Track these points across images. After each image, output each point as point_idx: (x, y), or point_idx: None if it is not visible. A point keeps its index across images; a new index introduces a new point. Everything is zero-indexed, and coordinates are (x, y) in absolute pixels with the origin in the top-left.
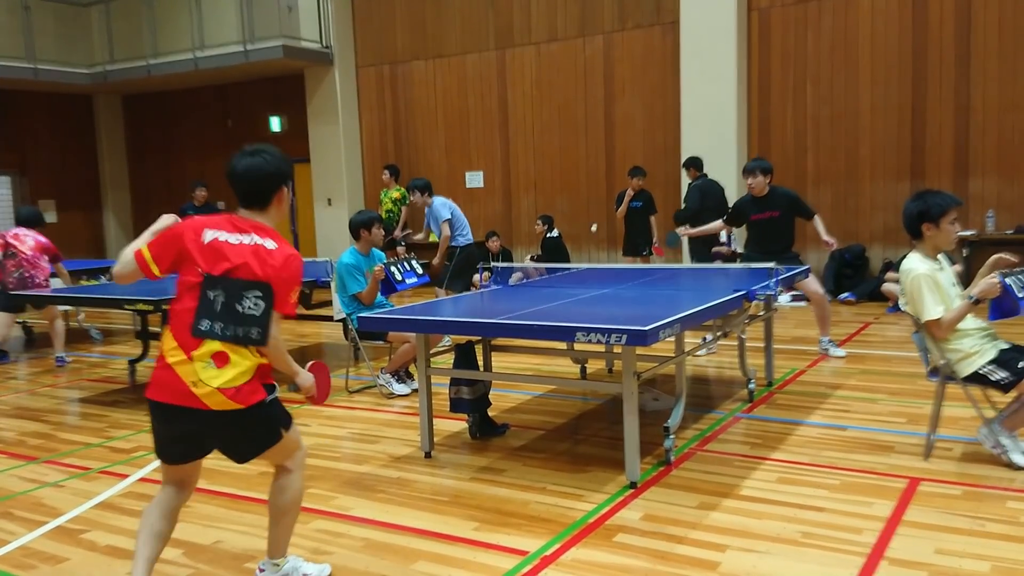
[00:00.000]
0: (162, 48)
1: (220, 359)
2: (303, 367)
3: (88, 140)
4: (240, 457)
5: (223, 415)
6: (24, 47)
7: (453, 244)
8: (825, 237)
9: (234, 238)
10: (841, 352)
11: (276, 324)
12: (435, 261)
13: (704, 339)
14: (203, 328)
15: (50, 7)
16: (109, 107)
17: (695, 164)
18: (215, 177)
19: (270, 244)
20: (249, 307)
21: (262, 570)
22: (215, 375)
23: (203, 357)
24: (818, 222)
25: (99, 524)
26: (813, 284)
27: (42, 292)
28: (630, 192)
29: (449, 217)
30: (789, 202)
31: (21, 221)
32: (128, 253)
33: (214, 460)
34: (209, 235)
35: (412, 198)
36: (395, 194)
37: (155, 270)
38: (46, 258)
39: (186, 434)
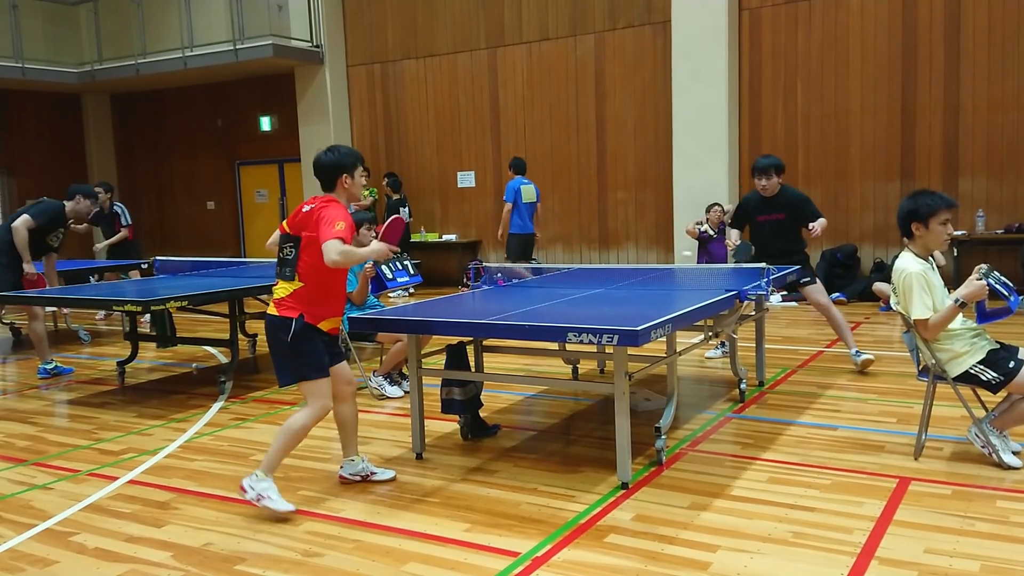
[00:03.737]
0: (151, 47)
1: None
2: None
3: (76, 140)
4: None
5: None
6: (12, 46)
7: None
8: (814, 225)
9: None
10: (868, 356)
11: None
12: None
13: (721, 344)
14: None
15: (38, 6)
16: (98, 106)
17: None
18: (204, 176)
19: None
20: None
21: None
22: None
23: None
24: (822, 220)
25: (88, 527)
26: (814, 294)
27: (32, 292)
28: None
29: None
30: (799, 204)
31: None
32: None
33: (203, 462)
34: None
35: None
36: (366, 193)
37: None
38: None
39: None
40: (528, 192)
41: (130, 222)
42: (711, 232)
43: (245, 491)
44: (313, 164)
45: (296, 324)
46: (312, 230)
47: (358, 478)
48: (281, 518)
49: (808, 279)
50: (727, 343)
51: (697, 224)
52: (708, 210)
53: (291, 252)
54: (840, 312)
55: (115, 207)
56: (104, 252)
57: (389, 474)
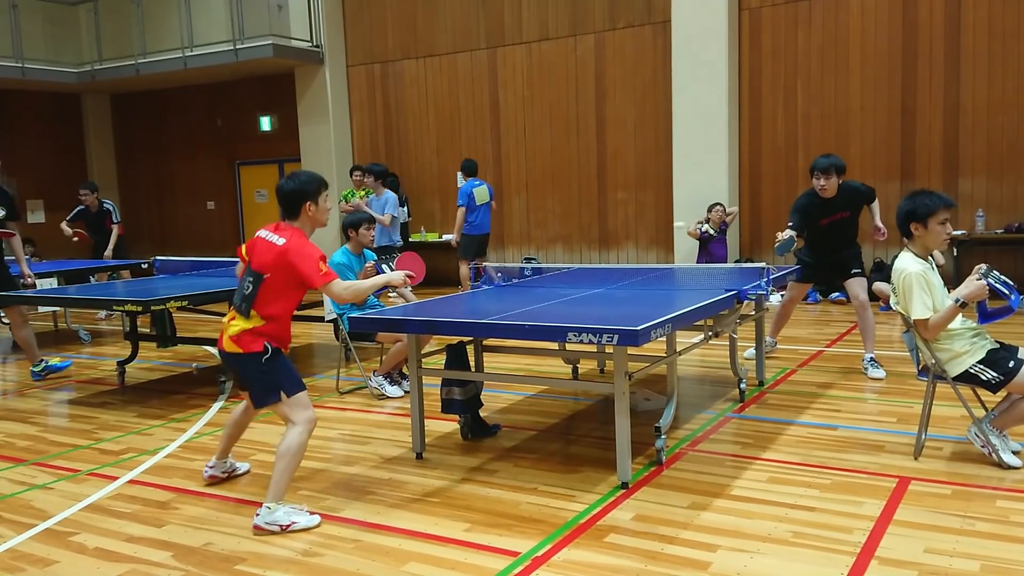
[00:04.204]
0: (151, 47)
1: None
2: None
3: (76, 140)
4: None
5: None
6: (12, 46)
7: (394, 244)
8: (878, 223)
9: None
10: (880, 373)
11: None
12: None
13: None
14: None
15: (38, 6)
16: (97, 106)
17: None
18: (204, 176)
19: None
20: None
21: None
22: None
23: None
24: (876, 206)
25: (88, 527)
26: (856, 287)
27: (31, 292)
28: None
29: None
30: (860, 197)
31: None
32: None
33: (203, 462)
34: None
35: (365, 180)
36: (361, 195)
37: None
38: None
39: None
40: (481, 193)
41: (120, 219)
42: (711, 232)
43: (264, 530)
44: (276, 192)
45: (267, 349)
46: (280, 273)
47: (225, 475)
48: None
49: (858, 271)
50: (758, 344)
51: (698, 224)
52: (710, 210)
53: (249, 288)
54: (873, 316)
55: (104, 204)
56: (111, 254)
57: (245, 466)
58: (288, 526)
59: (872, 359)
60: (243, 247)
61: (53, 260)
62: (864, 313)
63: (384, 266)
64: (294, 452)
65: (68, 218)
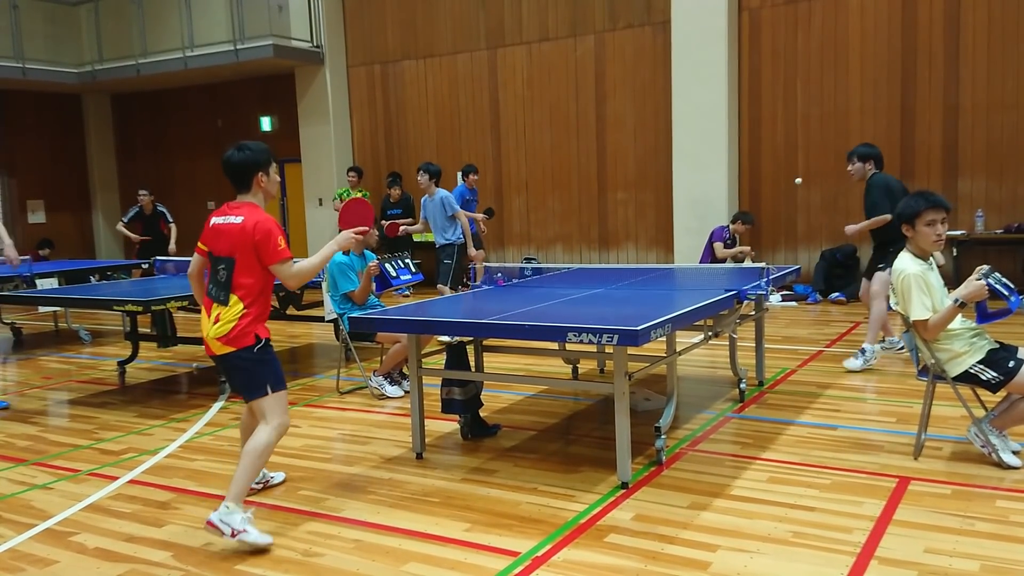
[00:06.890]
0: (151, 47)
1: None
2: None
3: (77, 140)
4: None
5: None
6: (12, 46)
7: (454, 241)
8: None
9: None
10: (857, 365)
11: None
12: (471, 252)
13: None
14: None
15: (39, 6)
16: (98, 107)
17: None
18: (205, 177)
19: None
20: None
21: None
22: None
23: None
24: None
25: (88, 526)
26: (875, 284)
27: (31, 292)
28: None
29: (458, 209)
30: (874, 193)
31: None
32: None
33: (204, 462)
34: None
35: (419, 180)
36: (357, 195)
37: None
38: None
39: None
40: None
41: (172, 219)
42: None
43: (216, 527)
44: (223, 164)
45: (258, 340)
46: (246, 251)
47: (259, 486)
48: (282, 519)
49: (882, 265)
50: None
51: (726, 238)
52: (734, 220)
53: (224, 275)
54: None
55: (158, 207)
56: (176, 249)
57: (280, 476)
58: (237, 533)
59: (868, 350)
60: (200, 243)
61: (53, 260)
62: (873, 305)
63: (387, 265)
64: (260, 452)
65: (125, 220)
